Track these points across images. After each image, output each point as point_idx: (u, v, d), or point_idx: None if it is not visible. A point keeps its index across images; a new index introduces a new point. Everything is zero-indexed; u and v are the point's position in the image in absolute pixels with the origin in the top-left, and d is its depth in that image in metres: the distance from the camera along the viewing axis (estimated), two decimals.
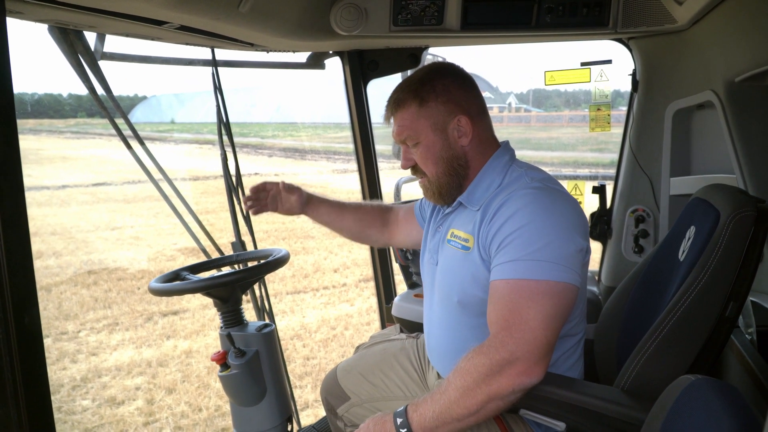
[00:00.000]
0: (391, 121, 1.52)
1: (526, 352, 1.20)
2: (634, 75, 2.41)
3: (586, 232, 1.36)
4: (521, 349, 1.20)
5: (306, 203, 1.89)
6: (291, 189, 1.88)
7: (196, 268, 2.01)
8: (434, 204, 1.63)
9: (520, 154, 1.55)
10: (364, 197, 2.71)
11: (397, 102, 1.48)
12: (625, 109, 2.55)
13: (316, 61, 2.56)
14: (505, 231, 1.30)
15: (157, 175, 2.17)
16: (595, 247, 2.78)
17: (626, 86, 2.49)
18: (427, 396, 1.29)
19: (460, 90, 1.46)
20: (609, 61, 2.40)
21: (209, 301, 1.94)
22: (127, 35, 1.88)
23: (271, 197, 1.89)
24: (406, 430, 1.26)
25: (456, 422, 1.23)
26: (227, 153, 2.35)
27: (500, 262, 1.29)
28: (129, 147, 2.11)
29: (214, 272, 2.06)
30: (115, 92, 2.07)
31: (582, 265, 1.33)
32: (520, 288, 1.24)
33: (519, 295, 1.24)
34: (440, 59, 2.64)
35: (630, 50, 2.38)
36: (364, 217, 1.93)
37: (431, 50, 2.50)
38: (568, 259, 1.26)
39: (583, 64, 2.42)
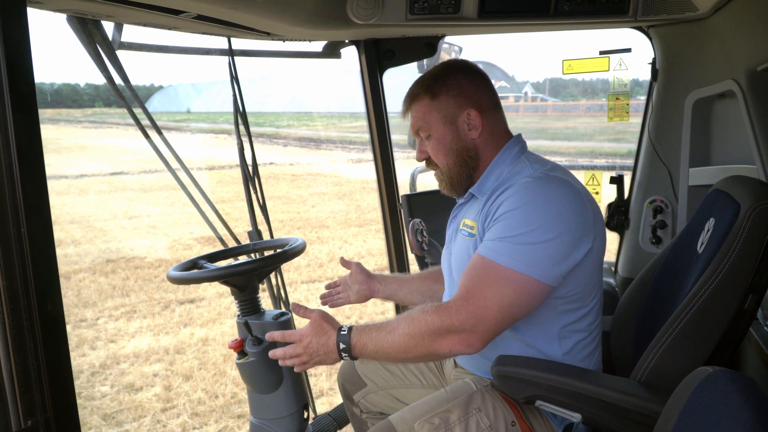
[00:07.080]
0: (408, 115, 1.60)
1: (472, 326, 1.28)
2: (653, 64, 2.38)
3: (582, 221, 1.34)
4: (470, 321, 1.28)
5: (371, 277, 1.92)
6: (348, 263, 1.93)
7: (213, 257, 2.03)
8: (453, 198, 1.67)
9: (535, 144, 1.56)
10: (379, 187, 2.72)
11: (412, 96, 1.57)
12: (643, 98, 2.51)
13: (332, 51, 2.56)
14: (497, 215, 1.36)
15: (174, 164, 2.19)
16: (612, 237, 2.75)
17: (644, 75, 2.46)
18: (372, 326, 1.41)
19: (470, 84, 1.52)
20: (628, 50, 2.37)
21: (225, 289, 1.96)
22: (144, 25, 1.89)
23: (343, 286, 1.93)
24: (347, 353, 1.42)
25: (391, 358, 1.40)
26: (244, 142, 2.36)
27: (485, 239, 1.37)
28: (147, 136, 2.13)
29: (231, 261, 2.08)
30: (132, 82, 2.08)
31: (568, 257, 1.31)
32: (489, 268, 1.31)
33: (486, 273, 1.31)
34: (456, 48, 2.62)
35: (650, 38, 2.35)
36: (430, 274, 1.92)
37: (447, 39, 2.48)
38: (546, 252, 1.29)
39: (602, 52, 2.39)
